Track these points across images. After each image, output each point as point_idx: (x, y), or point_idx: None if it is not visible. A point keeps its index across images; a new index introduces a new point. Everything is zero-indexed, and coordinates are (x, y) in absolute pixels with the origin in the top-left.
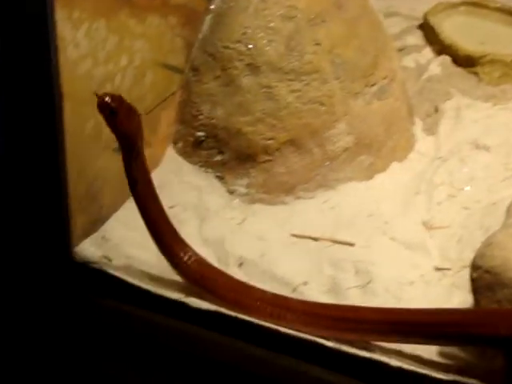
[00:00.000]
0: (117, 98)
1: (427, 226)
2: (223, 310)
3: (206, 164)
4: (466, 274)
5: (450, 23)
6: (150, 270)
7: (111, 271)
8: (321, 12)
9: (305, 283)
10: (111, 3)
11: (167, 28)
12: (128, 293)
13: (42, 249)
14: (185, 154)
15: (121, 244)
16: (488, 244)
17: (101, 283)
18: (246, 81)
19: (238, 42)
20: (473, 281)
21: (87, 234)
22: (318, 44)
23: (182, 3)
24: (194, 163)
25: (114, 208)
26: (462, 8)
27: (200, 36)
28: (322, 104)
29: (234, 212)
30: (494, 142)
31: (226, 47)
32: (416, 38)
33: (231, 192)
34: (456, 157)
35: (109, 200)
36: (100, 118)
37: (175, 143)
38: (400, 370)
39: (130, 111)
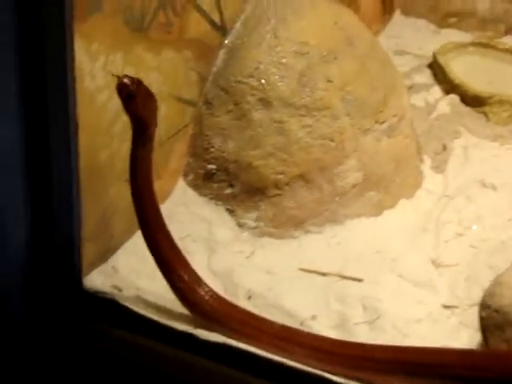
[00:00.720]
0: (135, 81)
1: (435, 263)
2: (231, 342)
3: (217, 197)
4: (473, 313)
5: (458, 63)
6: (159, 301)
7: (121, 301)
8: (333, 49)
9: (313, 317)
10: (128, 37)
11: (182, 62)
12: (137, 323)
13: (54, 277)
14: (195, 186)
15: (130, 274)
16: (497, 283)
17: (110, 313)
18: (258, 115)
19: (251, 76)
20: (482, 319)
21: (97, 263)
22: (329, 81)
23: (197, 37)
24: (205, 195)
25: (124, 238)
26: (471, 48)
27: (214, 70)
28: (332, 140)
29: (243, 245)
30: (501, 182)
31: (239, 82)
32: (425, 77)
33: (241, 225)
34: (463, 195)
35: (119, 230)
36: (114, 149)
37: (186, 175)
38: None
39: (148, 96)
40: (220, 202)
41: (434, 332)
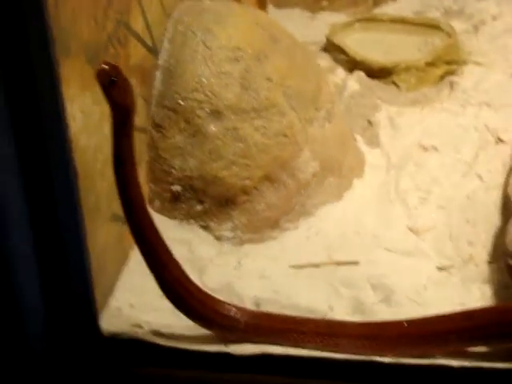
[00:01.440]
0: (116, 68)
1: (414, 230)
2: (269, 350)
3: (188, 216)
4: (471, 268)
5: (351, 41)
6: (176, 330)
7: (146, 339)
8: (262, 49)
9: (330, 308)
10: (92, 74)
11: None
12: (165, 356)
13: (71, 324)
14: (163, 210)
15: (136, 311)
16: None
17: (136, 353)
18: (212, 127)
19: (195, 91)
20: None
21: (101, 307)
22: (269, 79)
23: (138, 63)
24: (175, 218)
25: (117, 276)
26: (357, 25)
27: (154, 92)
28: (286, 136)
29: (227, 257)
30: (439, 142)
31: (185, 98)
32: (324, 60)
33: (219, 238)
34: (410, 162)
35: (112, 270)
36: (98, 189)
37: (151, 202)
38: (463, 369)
39: (127, 83)
40: (192, 221)
41: (444, 295)
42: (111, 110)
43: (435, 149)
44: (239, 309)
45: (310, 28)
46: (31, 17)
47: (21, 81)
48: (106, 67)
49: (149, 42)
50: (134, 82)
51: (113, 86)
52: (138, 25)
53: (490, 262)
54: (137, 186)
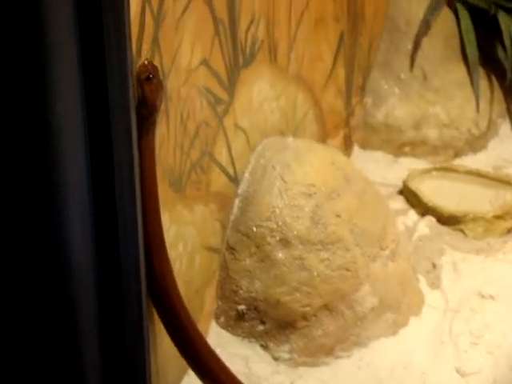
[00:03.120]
0: (155, 68)
1: (460, 372)
2: None
3: (250, 334)
4: None
5: (426, 187)
6: None
7: None
8: (335, 187)
9: None
10: (172, 198)
11: (209, 214)
12: None
13: None
14: (228, 327)
15: None
16: None
17: None
18: (280, 255)
19: (269, 220)
20: None
21: None
22: (338, 216)
23: (219, 190)
24: (238, 335)
25: (178, 382)
26: (435, 173)
27: (231, 218)
28: (348, 270)
29: (281, 377)
30: (497, 291)
31: (259, 226)
32: (399, 203)
33: (276, 358)
34: (466, 307)
35: (173, 376)
36: None
37: (217, 318)
38: None
39: (160, 85)
40: (253, 339)
41: None
42: (138, 104)
43: (492, 297)
44: None
45: (391, 171)
46: (121, 146)
47: (106, 204)
48: (148, 64)
49: (231, 172)
50: (213, 207)
51: (148, 82)
52: (222, 156)
53: None
54: (154, 179)
